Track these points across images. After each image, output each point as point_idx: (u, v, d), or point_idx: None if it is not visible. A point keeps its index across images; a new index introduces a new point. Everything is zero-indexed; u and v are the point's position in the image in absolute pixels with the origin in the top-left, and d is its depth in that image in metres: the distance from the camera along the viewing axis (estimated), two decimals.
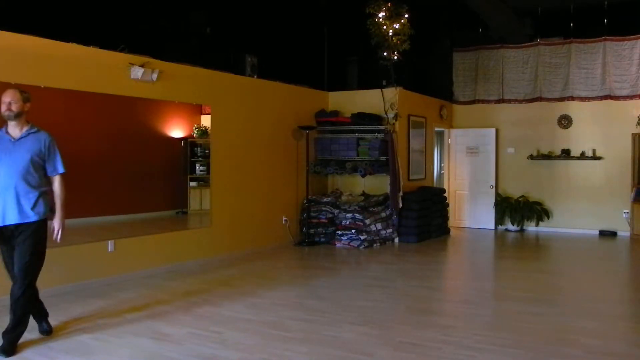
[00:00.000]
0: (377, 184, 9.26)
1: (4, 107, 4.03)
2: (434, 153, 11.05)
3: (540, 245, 9.46)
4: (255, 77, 8.20)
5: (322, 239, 8.88)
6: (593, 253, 8.73)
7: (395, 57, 9.10)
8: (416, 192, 9.41)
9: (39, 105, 6.15)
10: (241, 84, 7.95)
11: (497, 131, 10.97)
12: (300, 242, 8.81)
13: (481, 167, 10.97)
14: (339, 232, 8.76)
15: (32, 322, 4.68)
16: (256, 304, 5.31)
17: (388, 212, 8.98)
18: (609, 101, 10.12)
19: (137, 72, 6.30)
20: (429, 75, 10.87)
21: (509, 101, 10.93)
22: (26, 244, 4.01)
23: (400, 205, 8.96)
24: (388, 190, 8.96)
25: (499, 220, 10.84)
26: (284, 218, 8.79)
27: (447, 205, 10.30)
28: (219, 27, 8.22)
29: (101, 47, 6.09)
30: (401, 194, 8.97)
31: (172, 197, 7.98)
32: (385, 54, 9.09)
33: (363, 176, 9.04)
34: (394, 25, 9.02)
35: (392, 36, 9.04)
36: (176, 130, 7.81)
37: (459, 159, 11.14)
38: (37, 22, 5.80)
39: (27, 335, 4.35)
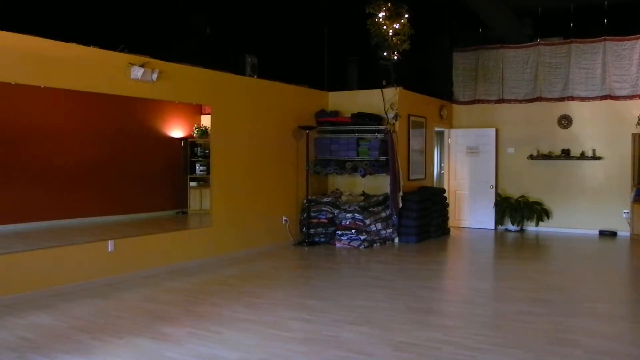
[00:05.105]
0: (377, 184, 9.26)
1: None
2: (434, 153, 11.05)
3: (540, 245, 9.46)
4: (255, 77, 8.20)
5: (322, 239, 8.88)
6: (593, 253, 8.73)
7: (395, 57, 9.10)
8: (416, 192, 9.41)
9: (40, 106, 6.20)
10: (241, 84, 7.95)
11: (497, 131, 10.97)
12: (300, 242, 8.81)
13: (481, 167, 10.97)
14: (339, 232, 8.75)
15: (33, 322, 4.69)
16: (256, 304, 5.31)
17: (388, 212, 8.97)
18: (609, 101, 10.12)
19: (137, 72, 6.30)
20: (429, 75, 10.86)
21: (509, 101, 10.93)
22: None
23: (400, 205, 8.96)
24: (388, 190, 8.97)
25: (499, 220, 10.84)
26: (284, 218, 8.79)
27: (447, 205, 10.29)
28: (219, 27, 8.22)
29: (101, 47, 6.09)
30: (401, 194, 8.97)
31: (172, 197, 7.98)
32: (385, 54, 9.08)
33: (363, 176, 9.04)
34: (394, 25, 9.02)
35: (392, 36, 9.04)
36: (176, 130, 7.82)
37: (459, 159, 11.14)
38: (37, 22, 5.80)
39: (27, 335, 4.35)
